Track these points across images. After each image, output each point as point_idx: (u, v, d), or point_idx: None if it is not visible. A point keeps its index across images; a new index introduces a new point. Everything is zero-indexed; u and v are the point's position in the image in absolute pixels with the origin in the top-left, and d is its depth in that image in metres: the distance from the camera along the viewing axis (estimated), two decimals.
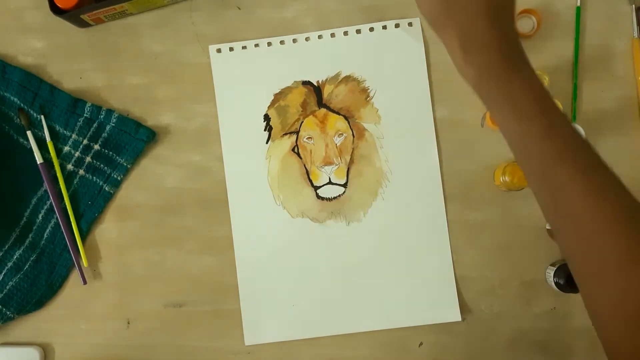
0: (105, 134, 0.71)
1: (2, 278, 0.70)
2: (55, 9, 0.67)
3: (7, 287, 0.69)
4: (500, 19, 0.47)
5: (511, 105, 0.46)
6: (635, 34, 0.71)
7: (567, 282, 0.66)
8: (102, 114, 0.71)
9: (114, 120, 0.70)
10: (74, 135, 0.71)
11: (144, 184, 0.72)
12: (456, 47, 0.47)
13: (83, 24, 0.71)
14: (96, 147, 0.71)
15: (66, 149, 0.71)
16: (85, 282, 0.70)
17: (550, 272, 0.68)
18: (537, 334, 0.70)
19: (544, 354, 0.70)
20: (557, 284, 0.67)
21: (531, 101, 0.46)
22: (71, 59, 0.72)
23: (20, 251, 0.70)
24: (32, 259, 0.70)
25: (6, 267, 0.70)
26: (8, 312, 0.69)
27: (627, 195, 0.45)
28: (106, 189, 0.71)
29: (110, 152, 0.71)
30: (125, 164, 0.71)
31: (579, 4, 0.71)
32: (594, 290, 0.45)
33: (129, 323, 0.71)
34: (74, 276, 0.71)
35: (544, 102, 0.46)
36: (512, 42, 0.47)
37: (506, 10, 0.47)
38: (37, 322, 0.71)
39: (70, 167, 0.71)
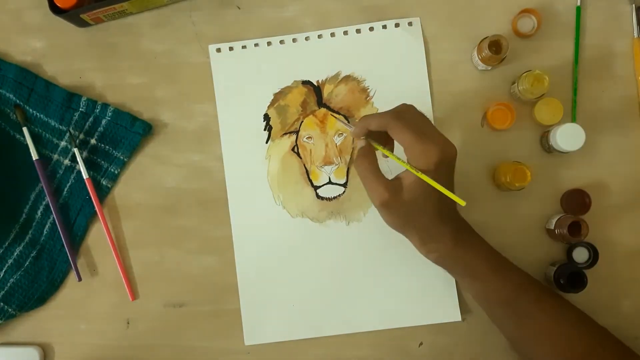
0: (101, 128, 0.71)
1: (3, 275, 0.70)
2: (55, 9, 0.67)
3: (8, 284, 0.70)
4: (448, 216, 0.60)
5: (470, 274, 0.62)
6: (636, 34, 0.71)
7: (568, 281, 0.66)
8: (97, 108, 0.71)
9: (110, 113, 0.70)
10: (70, 130, 0.71)
11: (144, 183, 0.72)
12: (417, 242, 0.61)
13: (83, 24, 0.71)
14: (92, 141, 0.71)
15: (62, 143, 0.71)
16: (80, 279, 0.70)
17: (551, 271, 0.68)
18: None
19: None
20: (557, 283, 0.67)
21: (484, 267, 0.62)
22: (71, 59, 0.72)
23: (21, 248, 0.70)
24: (32, 255, 0.70)
25: (7, 264, 0.70)
26: (10, 310, 0.69)
27: (573, 308, 0.63)
28: (104, 183, 0.71)
29: (107, 146, 0.71)
30: (122, 158, 0.71)
31: (579, 4, 0.71)
32: None
33: (128, 323, 0.71)
34: (74, 276, 0.71)
35: (494, 263, 0.63)
36: (460, 229, 0.62)
37: (450, 209, 0.61)
38: (37, 322, 0.71)
39: (67, 162, 0.71)
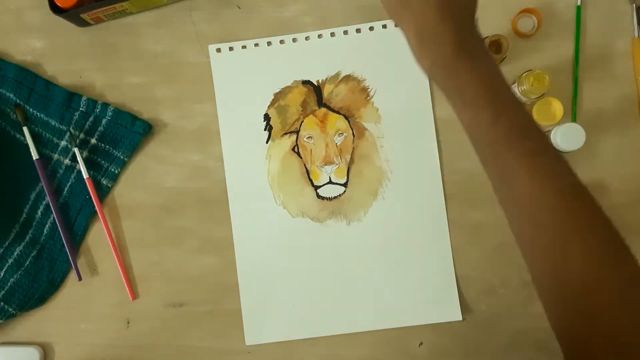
0: (102, 128, 0.71)
1: (3, 275, 0.70)
2: (55, 8, 0.67)
3: (9, 284, 0.70)
4: (457, 14, 0.48)
5: (460, 96, 0.49)
6: (636, 34, 0.71)
7: None
8: (97, 108, 0.71)
9: (110, 113, 0.70)
10: (70, 130, 0.70)
11: (144, 183, 0.72)
12: (412, 37, 0.49)
13: (83, 23, 0.71)
14: (93, 141, 0.71)
15: (63, 143, 0.71)
16: (80, 279, 0.70)
17: None
18: (537, 333, 0.70)
19: (544, 353, 0.70)
20: None
21: (480, 92, 0.48)
22: (71, 59, 0.72)
23: (21, 247, 0.70)
24: (32, 255, 0.70)
25: (7, 264, 0.70)
26: (10, 309, 0.69)
27: (572, 177, 0.49)
28: (104, 182, 0.71)
29: (107, 146, 0.71)
30: (122, 157, 0.71)
31: (579, 4, 0.71)
32: (539, 264, 0.49)
33: (128, 323, 0.71)
34: (74, 276, 0.71)
35: (494, 91, 0.49)
36: (466, 37, 0.49)
37: (465, 6, 0.49)
38: (37, 322, 0.71)
39: (67, 161, 0.71)
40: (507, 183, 0.49)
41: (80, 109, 0.71)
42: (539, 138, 0.49)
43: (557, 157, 0.49)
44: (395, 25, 0.71)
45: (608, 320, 0.45)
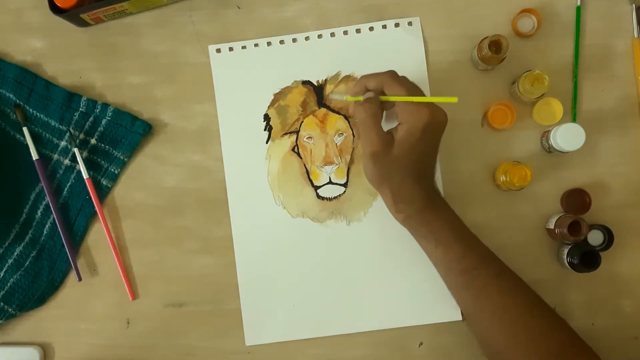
0: (102, 128, 0.71)
1: (3, 275, 0.70)
2: (55, 9, 0.67)
3: (9, 284, 0.70)
4: (424, 180, 0.63)
5: (434, 239, 0.63)
6: (636, 34, 0.71)
7: (581, 261, 0.66)
8: (97, 108, 0.71)
9: (110, 113, 0.70)
10: (70, 130, 0.70)
11: (144, 183, 0.72)
12: (389, 200, 0.63)
13: (83, 24, 0.71)
14: (93, 141, 0.71)
15: (62, 143, 0.71)
16: (80, 279, 0.70)
17: (564, 250, 0.68)
18: None
19: None
20: (570, 263, 0.67)
21: (449, 234, 0.63)
22: (71, 59, 0.72)
23: (21, 248, 0.70)
24: (32, 255, 0.70)
25: (7, 264, 0.70)
26: (10, 309, 0.69)
27: (529, 290, 0.63)
28: (104, 183, 0.71)
29: (107, 146, 0.71)
30: (122, 158, 0.71)
31: (579, 4, 0.71)
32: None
33: (128, 323, 0.71)
34: (74, 276, 0.71)
35: (459, 231, 0.64)
36: (431, 194, 0.63)
37: (427, 174, 0.64)
38: (37, 322, 0.71)
39: (67, 161, 0.71)
40: (482, 300, 0.62)
41: (80, 109, 0.71)
42: (499, 263, 0.64)
43: (516, 277, 0.64)
44: (396, 26, 0.71)
45: None
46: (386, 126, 0.63)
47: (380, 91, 0.63)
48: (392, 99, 0.62)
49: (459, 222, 0.65)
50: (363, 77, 0.64)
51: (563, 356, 0.60)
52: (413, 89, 0.62)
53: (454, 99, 0.60)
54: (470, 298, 0.63)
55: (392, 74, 0.63)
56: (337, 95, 0.70)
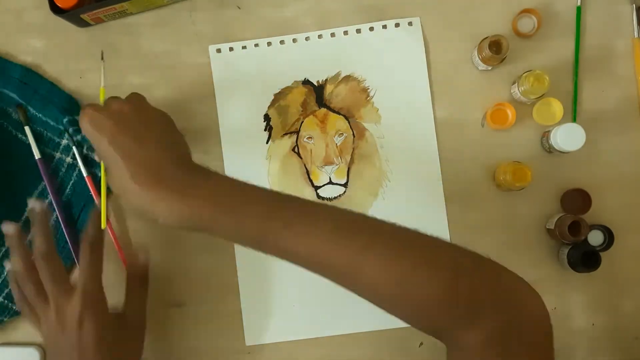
0: None
1: (7, 274, 0.70)
2: (55, 9, 0.67)
3: None
4: (139, 190, 0.51)
5: (204, 226, 0.51)
6: (636, 34, 0.71)
7: (581, 261, 0.66)
8: None
9: None
10: (70, 129, 0.70)
11: None
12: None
13: (83, 24, 0.71)
14: None
15: (64, 142, 0.71)
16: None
17: (564, 250, 0.68)
18: None
19: None
20: (570, 263, 0.67)
21: (214, 215, 0.50)
22: (71, 59, 0.72)
23: None
24: None
25: None
26: (14, 307, 0.69)
27: (338, 217, 0.52)
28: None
29: None
30: None
31: (579, 4, 0.71)
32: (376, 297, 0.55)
33: None
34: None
35: (224, 205, 0.51)
36: (165, 181, 0.51)
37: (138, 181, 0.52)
38: None
39: (69, 160, 0.71)
40: (288, 259, 0.53)
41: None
42: (290, 208, 0.52)
43: (310, 211, 0.52)
44: (397, 26, 0.71)
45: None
46: None
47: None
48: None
49: (225, 185, 0.53)
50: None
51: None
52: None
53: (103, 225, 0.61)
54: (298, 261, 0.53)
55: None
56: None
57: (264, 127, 0.72)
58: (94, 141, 0.54)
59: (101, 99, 0.62)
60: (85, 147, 0.71)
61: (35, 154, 0.70)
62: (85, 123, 0.54)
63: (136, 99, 0.59)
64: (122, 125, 0.53)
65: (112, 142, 0.52)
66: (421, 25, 0.72)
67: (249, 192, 0.53)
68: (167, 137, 0.56)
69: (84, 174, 0.70)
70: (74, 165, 0.71)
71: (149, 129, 0.54)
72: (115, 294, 0.71)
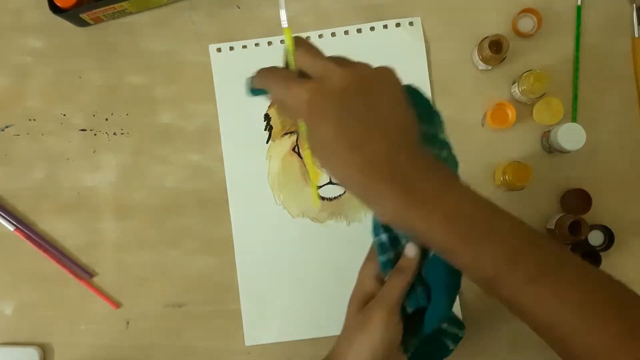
0: None
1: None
2: (55, 8, 0.67)
3: None
4: (386, 168, 0.42)
5: (432, 244, 0.43)
6: (636, 34, 0.71)
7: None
8: None
9: None
10: None
11: (144, 183, 0.72)
12: (362, 201, 0.43)
13: (82, 23, 0.71)
14: None
15: None
16: (88, 274, 0.71)
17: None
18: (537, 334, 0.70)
19: (544, 354, 0.70)
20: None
21: (447, 236, 0.42)
22: (71, 59, 0.72)
23: None
24: None
25: None
26: None
27: (593, 284, 0.43)
28: None
29: None
30: None
31: (579, 4, 0.71)
32: None
33: (128, 323, 0.71)
34: (74, 276, 0.71)
35: (462, 229, 0.42)
36: (411, 186, 0.41)
37: (393, 153, 0.42)
38: (37, 322, 0.71)
39: None
40: (521, 315, 0.44)
41: None
42: (533, 259, 0.43)
43: (558, 271, 0.43)
44: (397, 25, 0.71)
45: None
46: None
47: None
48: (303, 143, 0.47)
49: (468, 209, 0.43)
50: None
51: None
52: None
53: (316, 204, 0.54)
54: (512, 313, 0.45)
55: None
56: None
57: (264, 127, 0.72)
58: (310, 123, 0.43)
59: (290, 51, 0.48)
60: None
61: None
62: (301, 102, 0.42)
63: (357, 70, 0.44)
64: (348, 110, 0.42)
65: (339, 132, 0.42)
66: (422, 25, 0.72)
67: (492, 219, 0.43)
68: (397, 117, 0.43)
69: None
70: None
71: (378, 112, 0.43)
72: (115, 294, 0.71)
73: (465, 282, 0.70)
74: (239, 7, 0.73)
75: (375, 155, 0.41)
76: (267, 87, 0.46)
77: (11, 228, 0.71)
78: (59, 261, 0.71)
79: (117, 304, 0.71)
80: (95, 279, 0.71)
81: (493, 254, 0.42)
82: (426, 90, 0.71)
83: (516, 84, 0.69)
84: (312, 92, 0.43)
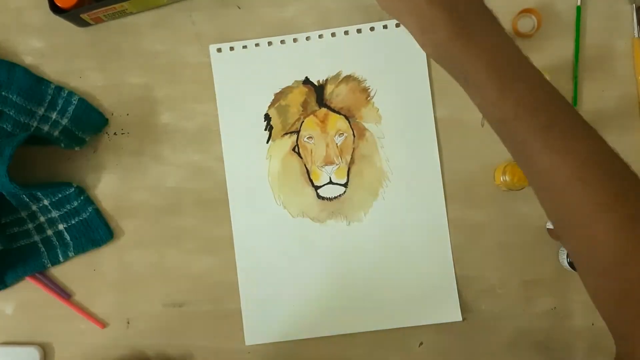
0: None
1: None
2: (55, 9, 0.67)
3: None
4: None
5: (464, 77, 0.50)
6: (636, 34, 0.72)
7: None
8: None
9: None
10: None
11: (144, 183, 0.72)
12: (414, 29, 0.50)
13: (83, 24, 0.71)
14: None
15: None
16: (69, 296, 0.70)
17: (564, 250, 0.68)
18: (537, 334, 0.70)
19: (544, 354, 0.70)
20: (570, 263, 0.67)
21: (480, 71, 0.48)
22: (71, 59, 0.72)
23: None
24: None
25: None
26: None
27: (589, 146, 0.47)
28: None
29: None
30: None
31: (579, 4, 0.72)
32: (570, 243, 0.49)
33: (128, 323, 0.71)
34: (75, 277, 0.71)
35: (497, 68, 0.48)
36: (463, 18, 0.48)
37: None
38: (37, 322, 0.71)
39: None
40: (524, 160, 0.49)
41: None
42: (552, 109, 0.47)
43: (572, 127, 0.47)
44: (397, 26, 0.71)
45: None
46: None
47: None
48: None
49: (505, 53, 0.49)
50: None
51: (628, 237, 0.45)
52: None
53: None
54: (515, 154, 0.50)
55: None
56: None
57: (264, 127, 0.72)
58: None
59: None
60: None
61: None
62: None
63: None
64: None
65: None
66: None
67: (524, 67, 0.49)
68: None
69: None
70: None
71: None
72: (115, 294, 0.71)
73: (466, 284, 0.70)
74: (239, 7, 0.73)
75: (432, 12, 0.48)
76: None
77: None
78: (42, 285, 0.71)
79: (103, 324, 0.71)
80: (96, 279, 0.71)
81: (518, 95, 0.47)
82: (426, 91, 0.71)
83: None
84: None
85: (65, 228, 0.71)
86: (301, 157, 0.72)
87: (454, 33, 0.48)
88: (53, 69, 0.72)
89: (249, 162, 0.71)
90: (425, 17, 0.48)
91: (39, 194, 0.69)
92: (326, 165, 0.71)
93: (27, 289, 0.71)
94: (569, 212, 0.47)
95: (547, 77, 0.66)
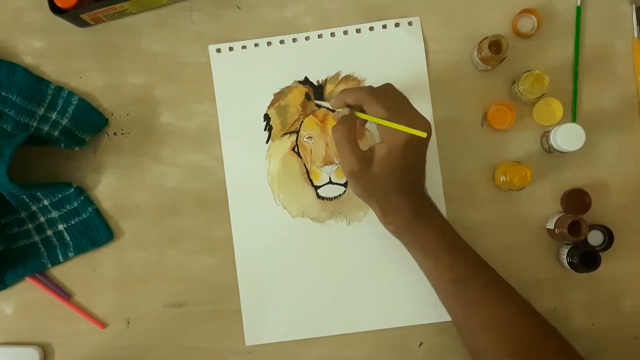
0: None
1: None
2: (55, 9, 0.67)
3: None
4: (410, 191, 0.61)
5: (422, 250, 0.63)
6: (636, 34, 0.71)
7: (581, 261, 0.66)
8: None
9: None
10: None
11: (144, 183, 0.72)
12: (378, 212, 0.62)
13: (83, 24, 0.71)
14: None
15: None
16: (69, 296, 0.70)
17: (564, 251, 0.68)
18: None
19: None
20: (570, 263, 0.67)
21: (437, 245, 0.62)
22: (71, 59, 0.72)
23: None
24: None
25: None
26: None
27: (519, 299, 0.63)
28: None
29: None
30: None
31: (579, 4, 0.71)
32: None
33: (128, 323, 0.71)
34: (75, 277, 0.71)
35: (448, 242, 0.63)
36: (420, 205, 0.62)
37: (415, 184, 0.62)
38: (37, 322, 0.71)
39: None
40: (471, 311, 0.62)
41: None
42: (489, 272, 0.64)
43: (505, 286, 0.64)
44: (397, 25, 0.71)
45: None
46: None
47: (359, 107, 0.62)
48: (367, 117, 0.61)
49: (450, 231, 0.64)
50: (343, 91, 0.64)
51: None
52: (394, 104, 0.60)
53: (423, 134, 0.57)
54: (459, 309, 0.64)
55: (370, 91, 0.61)
56: (323, 102, 0.70)
57: (264, 127, 0.72)
58: (352, 183, 0.62)
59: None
60: None
61: None
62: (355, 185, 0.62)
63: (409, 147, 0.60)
64: (385, 178, 0.60)
65: (402, 173, 0.60)
66: (421, 25, 0.72)
67: (461, 240, 0.64)
68: (416, 172, 0.62)
69: None
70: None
71: (406, 174, 0.61)
72: (115, 294, 0.71)
73: None
74: (239, 8, 0.73)
75: (396, 207, 0.62)
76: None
77: None
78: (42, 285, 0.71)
79: (103, 324, 0.71)
80: (96, 279, 0.71)
81: (466, 262, 0.63)
82: (426, 91, 0.71)
83: (516, 84, 0.69)
84: (408, 136, 0.59)
85: (65, 228, 0.71)
86: (301, 157, 0.72)
87: (415, 215, 0.62)
88: (53, 69, 0.72)
89: (249, 162, 0.72)
90: (393, 203, 0.61)
91: (38, 194, 0.69)
92: (326, 165, 0.71)
93: (27, 289, 0.71)
94: (510, 344, 0.61)
95: (547, 78, 0.67)
